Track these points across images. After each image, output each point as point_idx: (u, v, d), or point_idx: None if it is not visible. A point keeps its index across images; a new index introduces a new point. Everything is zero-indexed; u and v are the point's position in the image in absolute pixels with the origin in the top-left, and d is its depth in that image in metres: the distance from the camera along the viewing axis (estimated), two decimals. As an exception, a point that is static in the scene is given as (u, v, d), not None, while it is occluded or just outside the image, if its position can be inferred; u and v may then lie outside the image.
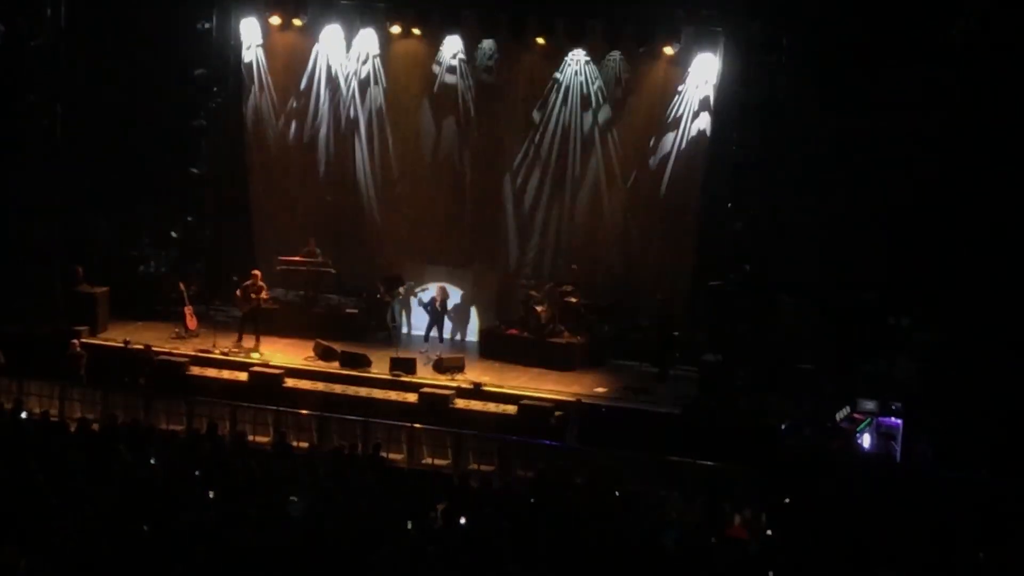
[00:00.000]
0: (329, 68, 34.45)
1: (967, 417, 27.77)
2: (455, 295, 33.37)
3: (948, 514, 22.67)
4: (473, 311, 33.81)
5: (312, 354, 31.28)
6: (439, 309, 32.55)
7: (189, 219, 34.55)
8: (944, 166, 28.99)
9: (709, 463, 25.68)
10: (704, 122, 31.93)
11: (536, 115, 33.26)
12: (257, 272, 32.43)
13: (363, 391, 29.76)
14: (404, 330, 33.37)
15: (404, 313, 33.30)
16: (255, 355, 31.14)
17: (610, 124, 32.87)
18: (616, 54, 32.33)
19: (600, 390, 29.84)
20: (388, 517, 20.40)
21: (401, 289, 32.72)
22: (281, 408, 27.99)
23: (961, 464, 26.44)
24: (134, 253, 34.60)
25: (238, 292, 32.40)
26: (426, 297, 32.76)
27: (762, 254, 29.25)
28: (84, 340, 30.81)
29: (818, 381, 29.07)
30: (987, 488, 24.68)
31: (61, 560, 17.29)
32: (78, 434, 24.74)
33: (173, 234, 34.60)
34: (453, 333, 33.59)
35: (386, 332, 32.94)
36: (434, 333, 32.60)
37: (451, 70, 33.64)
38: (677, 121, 32.22)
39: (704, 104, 31.85)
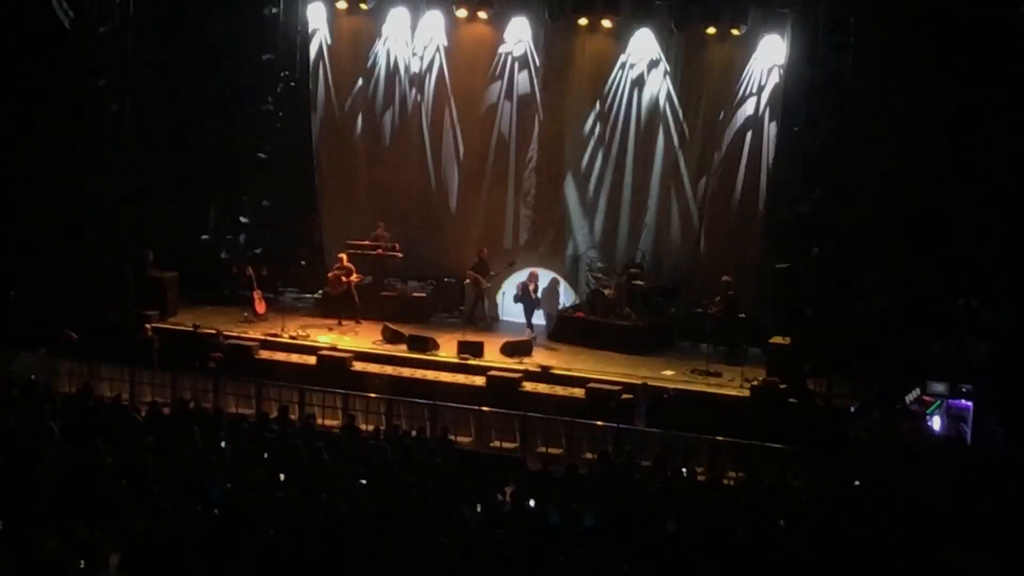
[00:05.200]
0: (395, 52, 34.50)
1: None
2: (544, 278, 33.44)
3: (1020, 495, 22.52)
4: (563, 288, 33.77)
5: (380, 338, 31.38)
6: (533, 295, 32.57)
7: (258, 203, 34.71)
8: (1015, 146, 28.72)
9: (778, 446, 25.61)
10: (772, 103, 31.78)
11: (602, 97, 33.17)
12: (343, 255, 32.72)
13: (431, 374, 29.83)
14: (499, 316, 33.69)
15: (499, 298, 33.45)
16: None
17: (676, 106, 32.72)
18: (682, 36, 32.18)
19: (667, 373, 29.77)
20: (456, 500, 20.47)
21: (492, 273, 32.79)
22: (350, 392, 28.09)
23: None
24: (203, 238, 34.83)
25: (330, 275, 32.63)
26: (502, 282, 32.81)
27: (830, 236, 29.07)
28: (154, 324, 31.03)
29: (888, 363, 28.90)
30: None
31: (132, 542, 17.45)
32: (149, 418, 24.95)
33: (242, 219, 34.81)
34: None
35: (484, 320, 33.29)
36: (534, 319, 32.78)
37: (517, 53, 33.61)
38: (744, 102, 32.09)
39: (771, 85, 31.71)
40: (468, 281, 33.30)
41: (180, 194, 34.33)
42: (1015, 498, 22.43)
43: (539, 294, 32.78)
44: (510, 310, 33.32)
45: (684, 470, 23.96)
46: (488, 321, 33.34)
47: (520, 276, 33.02)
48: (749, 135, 32.19)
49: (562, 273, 33.81)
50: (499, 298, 33.51)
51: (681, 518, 20.32)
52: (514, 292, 32.78)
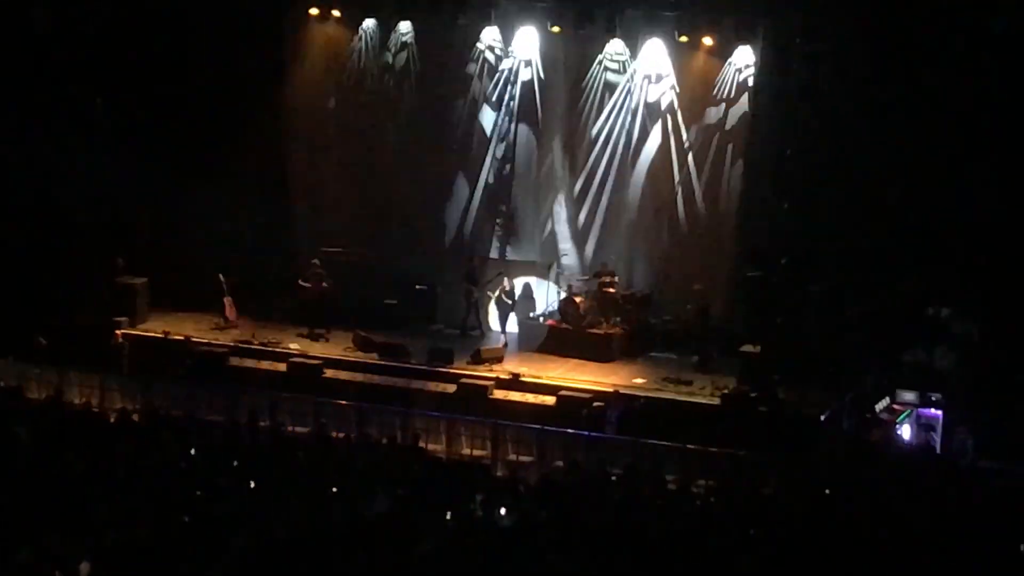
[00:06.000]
0: (368, 59, 34.47)
1: (1007, 408, 27.66)
2: (517, 284, 33.42)
3: (988, 505, 22.59)
4: (535, 295, 33.69)
5: (351, 345, 31.35)
6: (507, 300, 32.61)
7: (230, 209, 34.62)
8: (985, 155, 28.84)
9: (748, 454, 25.67)
10: (744, 112, 31.85)
11: (574, 106, 33.22)
12: (316, 260, 32.68)
13: (402, 381, 29.80)
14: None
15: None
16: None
17: (649, 115, 32.77)
18: (655, 44, 32.21)
19: (639, 381, 29.80)
20: (427, 508, 20.45)
21: (487, 282, 32.85)
22: (320, 399, 28.06)
23: (1001, 455, 26.33)
24: (174, 244, 34.71)
25: (300, 282, 32.62)
26: (493, 291, 32.82)
27: (802, 244, 29.16)
28: (124, 331, 30.94)
29: (858, 372, 28.98)
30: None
31: (101, 550, 17.40)
32: (118, 424, 24.89)
33: (214, 225, 34.70)
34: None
35: (476, 329, 33.29)
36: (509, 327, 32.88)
37: (490, 61, 33.63)
38: (716, 111, 32.15)
39: (744, 94, 31.78)
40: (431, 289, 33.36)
41: (151, 200, 34.21)
42: (983, 507, 22.50)
43: (513, 301, 32.81)
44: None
45: (655, 478, 23.99)
46: (479, 331, 33.25)
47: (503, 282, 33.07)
48: (721, 143, 32.24)
49: (534, 281, 33.82)
50: (491, 307, 33.54)
51: (651, 526, 20.33)
52: (494, 296, 32.86)
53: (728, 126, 32.12)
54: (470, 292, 32.96)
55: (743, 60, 31.56)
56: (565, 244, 33.82)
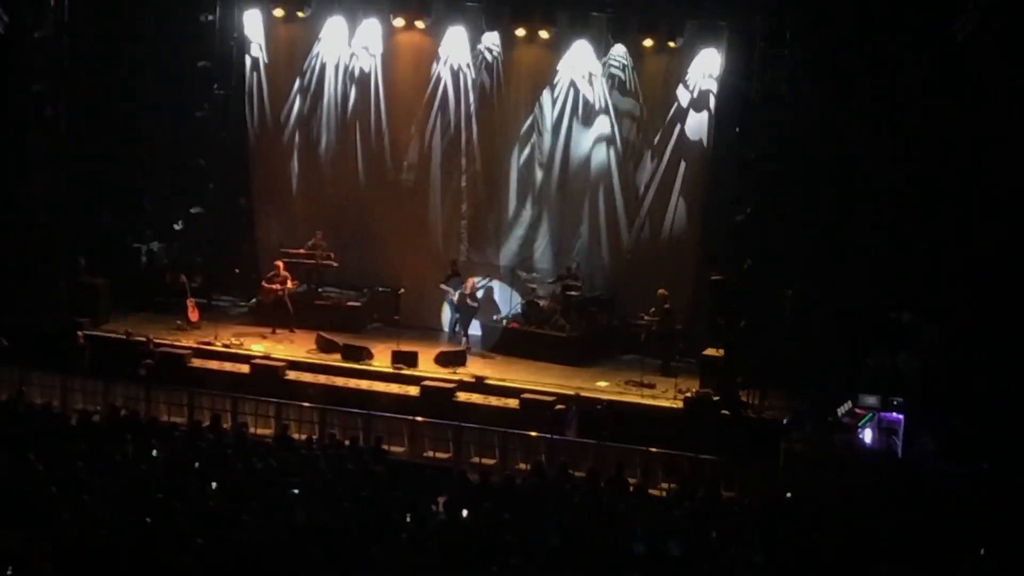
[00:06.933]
0: (331, 61, 34.37)
1: (968, 412, 27.75)
2: (480, 286, 33.39)
3: (949, 510, 22.67)
4: (498, 298, 33.73)
5: (314, 347, 31.28)
6: (470, 303, 32.54)
7: (191, 211, 34.52)
8: (948, 160, 28.94)
9: (710, 457, 25.72)
10: (708, 116, 31.90)
11: (538, 108, 33.19)
12: (279, 263, 32.62)
13: (365, 384, 29.76)
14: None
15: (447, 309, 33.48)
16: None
17: (612, 118, 32.78)
18: (619, 47, 32.25)
19: (602, 384, 29.83)
20: (389, 510, 20.42)
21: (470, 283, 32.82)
22: (283, 401, 27.99)
23: (962, 459, 26.42)
24: (136, 245, 34.59)
25: (263, 283, 32.55)
26: (455, 294, 32.74)
27: (765, 248, 29.21)
28: (86, 331, 30.81)
29: (820, 376, 29.03)
30: (988, 483, 24.69)
31: (63, 550, 17.32)
32: (79, 426, 24.78)
33: (176, 226, 34.58)
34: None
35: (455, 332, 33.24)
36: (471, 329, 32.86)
37: (453, 63, 33.56)
38: (680, 115, 32.18)
39: (708, 98, 31.83)
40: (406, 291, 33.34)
41: (114, 200, 34.11)
42: (944, 511, 22.58)
43: (476, 303, 32.77)
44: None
45: (617, 481, 24.00)
46: (453, 333, 33.19)
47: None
48: (685, 146, 32.28)
49: (497, 284, 33.80)
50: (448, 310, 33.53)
51: (613, 529, 20.34)
52: (455, 298, 32.78)
53: (691, 129, 32.14)
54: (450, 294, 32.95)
55: (707, 64, 31.62)
56: (528, 247, 33.75)
